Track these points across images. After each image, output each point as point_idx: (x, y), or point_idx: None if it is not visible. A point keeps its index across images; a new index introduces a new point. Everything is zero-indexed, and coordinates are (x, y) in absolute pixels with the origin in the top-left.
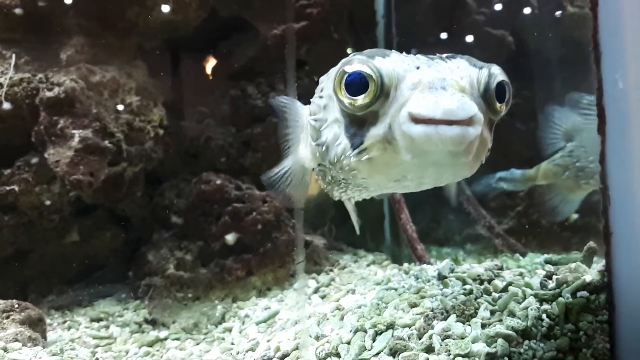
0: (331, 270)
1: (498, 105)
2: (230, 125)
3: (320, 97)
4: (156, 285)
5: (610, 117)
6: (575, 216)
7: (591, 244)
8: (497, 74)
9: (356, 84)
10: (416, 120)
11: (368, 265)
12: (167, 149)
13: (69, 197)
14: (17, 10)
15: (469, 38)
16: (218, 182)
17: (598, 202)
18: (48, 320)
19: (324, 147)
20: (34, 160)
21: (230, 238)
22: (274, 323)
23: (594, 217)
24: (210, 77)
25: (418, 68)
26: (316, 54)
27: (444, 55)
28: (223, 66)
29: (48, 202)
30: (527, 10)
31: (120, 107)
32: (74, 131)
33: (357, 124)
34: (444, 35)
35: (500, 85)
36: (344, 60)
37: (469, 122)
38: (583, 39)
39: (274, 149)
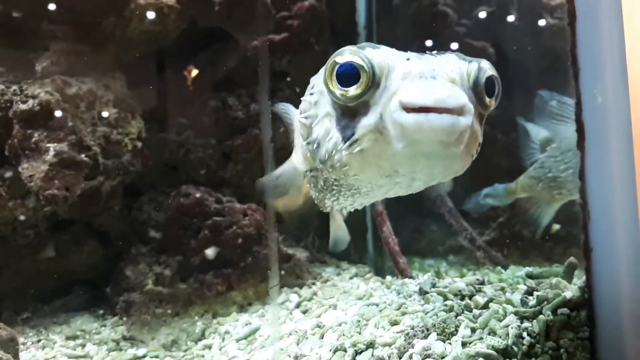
0: (314, 284)
1: (487, 99)
2: (211, 137)
3: (311, 94)
4: (135, 301)
5: (589, 132)
6: (557, 227)
7: (572, 259)
8: (487, 68)
9: (347, 74)
10: (407, 108)
11: (351, 278)
12: (145, 161)
13: (45, 212)
14: None
15: (450, 49)
16: (197, 195)
17: (579, 213)
18: (22, 339)
19: (315, 145)
20: (8, 174)
21: (210, 252)
22: (254, 340)
23: (576, 227)
24: (190, 88)
25: (408, 59)
26: (297, 65)
27: (434, 52)
28: (203, 77)
29: (22, 217)
30: (507, 22)
31: (97, 120)
32: (49, 145)
33: (349, 115)
34: (425, 46)
35: (490, 79)
36: (335, 52)
37: (459, 111)
38: (563, 51)
39: (254, 160)
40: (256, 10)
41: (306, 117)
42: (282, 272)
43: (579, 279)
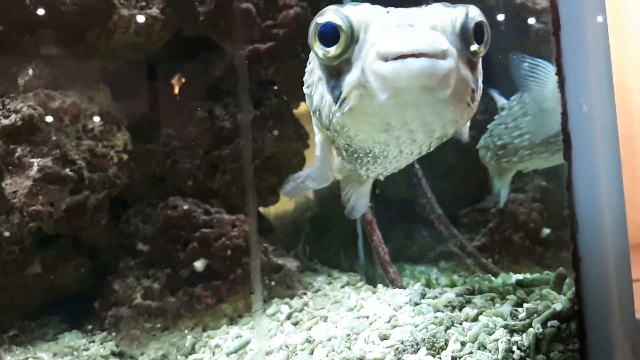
0: (304, 294)
1: (476, 46)
2: (198, 148)
3: (309, 63)
4: (123, 315)
5: (575, 141)
6: (547, 231)
7: (561, 269)
8: (475, 14)
9: (328, 34)
10: (385, 58)
11: (342, 287)
12: (131, 174)
13: (30, 228)
14: None
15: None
16: (185, 207)
17: (569, 216)
18: (9, 358)
19: (317, 113)
20: None
21: (199, 265)
22: (244, 354)
23: (567, 231)
24: (176, 98)
25: (388, 12)
26: (284, 73)
27: (421, 5)
28: (189, 87)
29: (7, 234)
30: (491, 25)
31: (82, 133)
32: (32, 160)
33: (336, 75)
34: None
35: (478, 25)
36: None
37: (439, 55)
38: (548, 54)
39: (242, 170)
40: (240, 19)
41: (307, 87)
42: (272, 283)
43: (569, 289)
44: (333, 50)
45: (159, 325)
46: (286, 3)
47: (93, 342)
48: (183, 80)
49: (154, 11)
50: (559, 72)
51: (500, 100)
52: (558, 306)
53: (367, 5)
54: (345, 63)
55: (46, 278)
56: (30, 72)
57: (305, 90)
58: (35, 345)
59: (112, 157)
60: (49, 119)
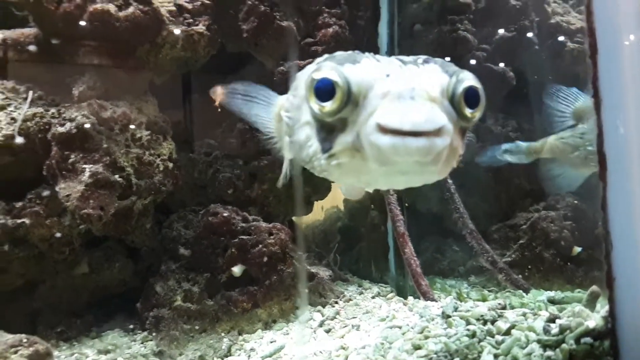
0: (336, 303)
1: (468, 111)
2: (238, 158)
3: (295, 96)
4: (164, 317)
5: (610, 162)
6: (578, 249)
7: (594, 288)
8: (466, 79)
9: (324, 90)
10: (384, 130)
11: (373, 297)
12: (176, 181)
13: (79, 229)
14: (31, 47)
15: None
16: (225, 214)
17: (601, 235)
18: (56, 353)
19: (297, 145)
20: (45, 193)
21: (236, 270)
22: (279, 358)
23: (598, 250)
24: (218, 111)
25: (388, 76)
26: None
27: (420, 58)
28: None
29: (58, 235)
30: (527, 46)
31: (131, 142)
32: (84, 166)
33: (327, 129)
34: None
35: (470, 90)
36: (317, 61)
37: (436, 133)
38: (583, 74)
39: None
40: (283, 37)
41: (289, 118)
42: (306, 291)
43: (602, 307)
44: (328, 106)
45: (197, 327)
46: (325, 22)
47: (134, 341)
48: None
49: (200, 28)
50: (595, 95)
51: (578, 100)
52: (591, 323)
53: (366, 61)
54: (339, 121)
55: (92, 278)
56: (84, 83)
57: (285, 117)
58: (80, 342)
59: (158, 165)
60: (101, 127)
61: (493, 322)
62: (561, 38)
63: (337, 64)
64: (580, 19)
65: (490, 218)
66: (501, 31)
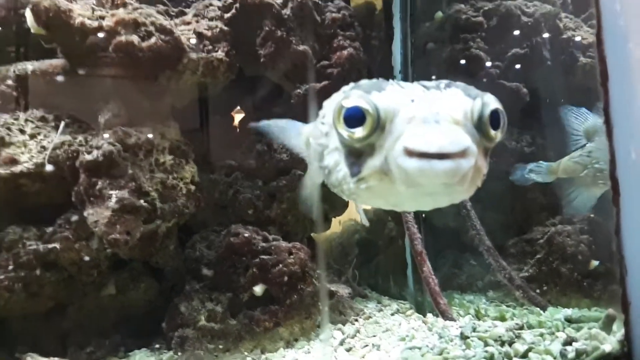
0: (356, 320)
1: (492, 132)
2: (257, 178)
3: (323, 123)
4: (188, 336)
5: (623, 188)
6: (595, 263)
7: (610, 311)
8: (490, 102)
9: (354, 117)
10: (410, 153)
11: (392, 314)
12: (198, 204)
13: (106, 252)
14: (59, 78)
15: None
16: (246, 234)
17: (618, 261)
18: None
19: (326, 170)
20: (74, 217)
21: (258, 289)
22: None
23: (616, 264)
24: (238, 133)
25: (413, 101)
26: None
27: (442, 82)
28: (249, 122)
29: (87, 258)
30: (540, 62)
31: (155, 167)
32: (111, 192)
33: (355, 154)
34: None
35: (494, 113)
36: (343, 90)
37: (462, 154)
38: (595, 88)
39: (298, 200)
40: (299, 61)
41: (318, 145)
42: (327, 309)
43: (619, 331)
44: (358, 133)
45: (221, 347)
46: (340, 44)
47: None
48: (244, 116)
49: (220, 54)
50: (607, 121)
51: (587, 120)
52: (607, 347)
53: (392, 88)
54: (367, 146)
55: (119, 299)
56: (110, 111)
57: (314, 144)
58: None
59: (181, 189)
60: (126, 154)
61: (511, 343)
62: (573, 53)
63: (364, 92)
64: (592, 33)
65: (507, 232)
66: (513, 48)
